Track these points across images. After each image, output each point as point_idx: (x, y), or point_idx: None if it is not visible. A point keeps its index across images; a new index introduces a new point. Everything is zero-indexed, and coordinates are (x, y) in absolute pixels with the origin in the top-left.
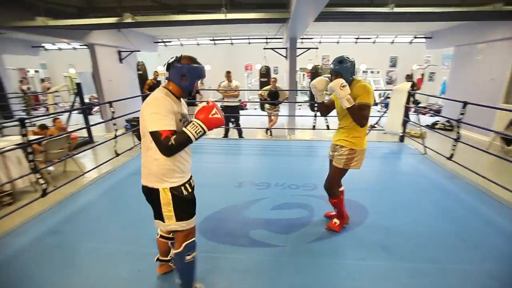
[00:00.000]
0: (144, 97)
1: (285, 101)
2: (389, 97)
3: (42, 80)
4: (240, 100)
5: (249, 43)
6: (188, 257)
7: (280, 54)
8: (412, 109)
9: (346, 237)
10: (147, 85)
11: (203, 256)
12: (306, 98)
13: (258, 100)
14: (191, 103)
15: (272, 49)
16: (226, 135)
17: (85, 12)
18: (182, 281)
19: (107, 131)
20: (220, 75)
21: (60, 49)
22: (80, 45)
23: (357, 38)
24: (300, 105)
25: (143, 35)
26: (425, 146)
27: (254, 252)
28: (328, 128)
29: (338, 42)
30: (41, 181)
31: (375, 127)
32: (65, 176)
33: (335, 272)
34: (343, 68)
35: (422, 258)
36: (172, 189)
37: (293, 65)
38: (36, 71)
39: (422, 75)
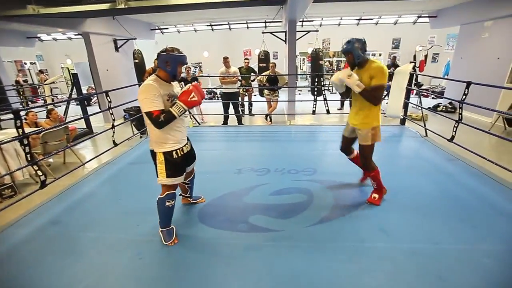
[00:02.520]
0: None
1: (285, 86)
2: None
3: (41, 72)
4: (239, 86)
5: (248, 27)
6: (167, 203)
7: (279, 38)
8: (414, 92)
9: (344, 221)
10: (147, 73)
11: (203, 242)
12: (306, 83)
13: (257, 85)
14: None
15: (271, 33)
16: (225, 122)
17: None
18: (160, 220)
19: (106, 121)
20: (218, 61)
21: (55, 39)
22: (75, 35)
23: (359, 20)
24: (300, 90)
25: (139, 23)
26: (426, 129)
27: (253, 237)
28: (328, 112)
29: (339, 24)
30: (39, 173)
31: None
32: (65, 167)
33: (334, 255)
34: (352, 47)
35: (421, 239)
36: (165, 153)
37: (292, 49)
38: (33, 63)
39: (425, 56)
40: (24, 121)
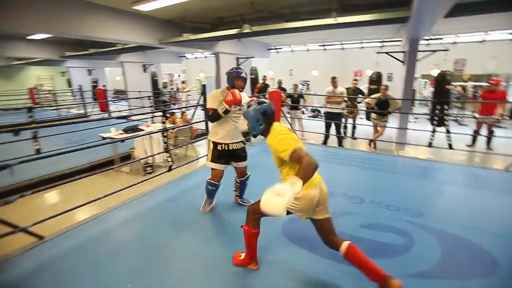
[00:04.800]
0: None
1: (396, 111)
2: None
3: (182, 82)
4: (344, 107)
5: (362, 47)
6: (209, 187)
7: (396, 59)
8: None
9: (451, 285)
10: (257, 88)
11: (284, 256)
12: (426, 110)
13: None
14: (294, 107)
15: (386, 53)
16: (325, 142)
17: (216, 27)
18: (206, 194)
19: None
20: (327, 80)
21: (196, 57)
22: (210, 54)
23: None
24: (417, 118)
25: (258, 43)
26: None
27: (331, 266)
28: (450, 147)
29: (482, 41)
30: (169, 159)
31: None
32: (185, 158)
33: None
34: None
35: None
36: (213, 142)
37: (410, 71)
38: (179, 75)
39: None
40: (167, 119)
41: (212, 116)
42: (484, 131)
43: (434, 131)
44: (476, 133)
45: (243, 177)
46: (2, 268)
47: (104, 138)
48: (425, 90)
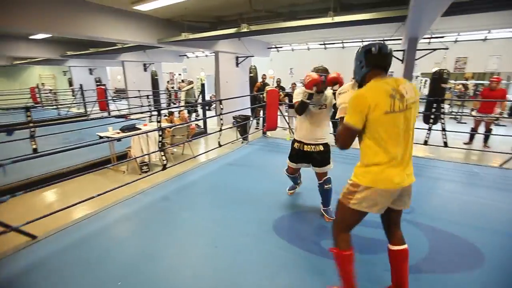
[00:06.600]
0: (252, 97)
1: None
2: None
3: (182, 81)
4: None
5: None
6: (286, 173)
7: (396, 57)
8: None
9: (436, 280)
10: (256, 87)
11: (273, 251)
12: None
13: None
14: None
15: None
16: None
17: (215, 26)
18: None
19: (218, 125)
20: None
21: (197, 56)
22: (210, 53)
23: None
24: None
25: (258, 42)
26: None
27: (319, 260)
28: (445, 145)
29: (485, 39)
30: (163, 158)
31: None
32: (182, 157)
33: None
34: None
35: None
36: (293, 139)
37: (409, 70)
38: (179, 74)
39: None
40: (165, 117)
41: (297, 106)
42: (482, 129)
43: (430, 129)
44: (473, 131)
45: (322, 180)
46: None
47: (101, 137)
48: (425, 88)
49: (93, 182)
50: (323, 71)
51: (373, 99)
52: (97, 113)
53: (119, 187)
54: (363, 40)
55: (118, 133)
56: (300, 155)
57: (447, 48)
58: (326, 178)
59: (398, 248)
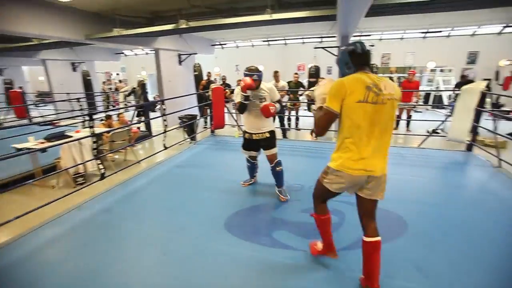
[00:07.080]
0: (198, 96)
1: None
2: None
3: (120, 81)
4: (287, 101)
5: (303, 42)
6: (247, 163)
7: (332, 54)
8: (490, 114)
9: None
10: (201, 85)
11: (225, 249)
12: None
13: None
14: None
15: (323, 48)
16: None
17: (152, 22)
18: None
19: (163, 126)
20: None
21: (136, 54)
22: (150, 50)
23: (426, 33)
24: None
25: (201, 39)
26: (500, 159)
27: (273, 252)
28: None
29: (402, 38)
30: (100, 166)
31: (437, 132)
32: (125, 164)
33: (355, 286)
34: (337, 60)
35: None
36: (243, 131)
37: None
38: (117, 74)
39: None
40: (102, 122)
41: (237, 106)
42: (404, 115)
43: None
44: (398, 118)
45: (273, 163)
46: None
47: (19, 150)
48: None
49: (12, 202)
50: (254, 70)
51: (350, 87)
52: (12, 121)
53: (45, 204)
54: (303, 37)
55: (42, 143)
56: (251, 143)
57: (373, 45)
58: (277, 160)
59: (371, 239)
